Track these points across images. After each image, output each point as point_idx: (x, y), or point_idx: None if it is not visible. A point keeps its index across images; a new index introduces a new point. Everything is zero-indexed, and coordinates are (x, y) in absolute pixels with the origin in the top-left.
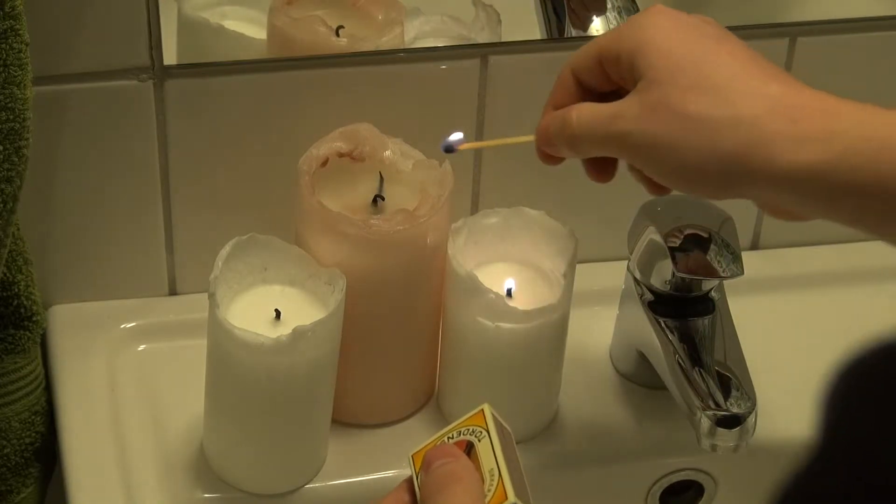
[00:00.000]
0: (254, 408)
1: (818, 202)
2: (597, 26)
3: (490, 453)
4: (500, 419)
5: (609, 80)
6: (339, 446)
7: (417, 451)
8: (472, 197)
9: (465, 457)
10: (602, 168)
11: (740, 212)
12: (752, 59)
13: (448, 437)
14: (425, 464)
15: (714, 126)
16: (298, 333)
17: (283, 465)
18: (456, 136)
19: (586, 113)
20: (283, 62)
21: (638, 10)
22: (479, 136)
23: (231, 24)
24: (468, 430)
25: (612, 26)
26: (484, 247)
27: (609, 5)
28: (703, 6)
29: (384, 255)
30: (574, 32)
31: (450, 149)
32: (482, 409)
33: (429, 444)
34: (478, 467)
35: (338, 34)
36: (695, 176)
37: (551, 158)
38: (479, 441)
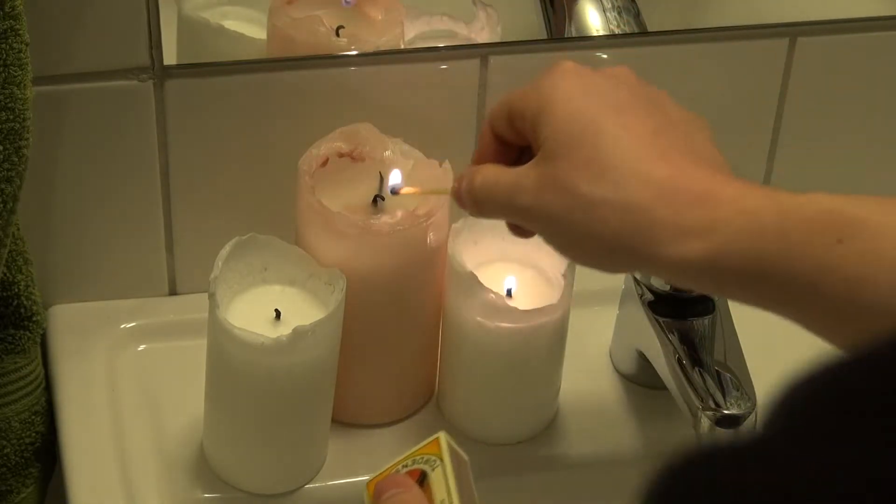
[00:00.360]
0: (254, 408)
1: (706, 288)
2: (596, 25)
3: (443, 483)
4: (456, 448)
5: (522, 135)
6: (339, 446)
7: (372, 480)
8: None
9: (416, 487)
10: (520, 228)
11: None
12: (649, 134)
13: (402, 466)
14: (377, 493)
15: (601, 210)
16: (298, 333)
17: (283, 465)
18: (395, 180)
19: (490, 178)
20: (283, 62)
21: (638, 11)
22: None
23: (231, 24)
24: (422, 458)
25: (611, 26)
26: (484, 247)
27: (609, 5)
28: (703, 6)
29: (384, 255)
30: (574, 32)
31: (394, 191)
32: (437, 438)
33: (384, 472)
34: (429, 497)
35: (338, 34)
36: (586, 256)
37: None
38: (433, 470)
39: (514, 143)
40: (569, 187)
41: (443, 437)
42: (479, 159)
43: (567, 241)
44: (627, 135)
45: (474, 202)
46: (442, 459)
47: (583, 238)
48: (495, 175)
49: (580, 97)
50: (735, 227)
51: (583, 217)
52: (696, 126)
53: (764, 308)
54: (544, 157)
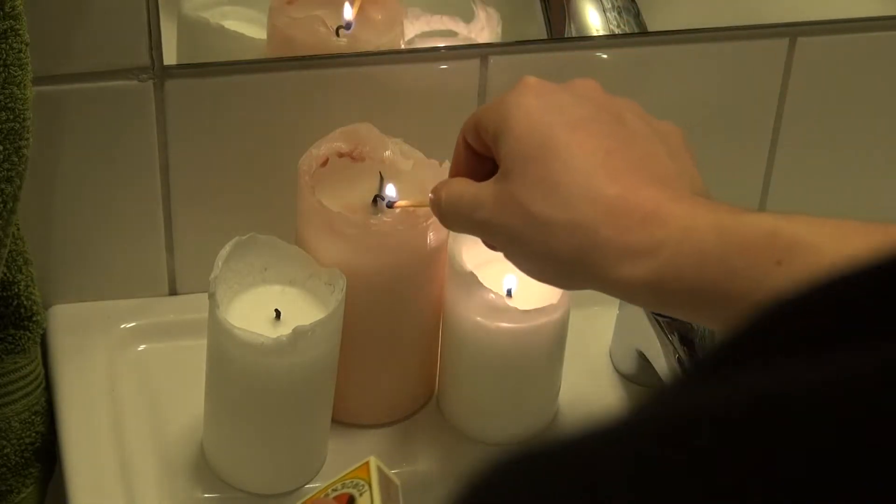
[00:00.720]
0: (253, 408)
1: (653, 307)
2: (596, 25)
3: None
4: (386, 472)
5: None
6: (339, 446)
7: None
8: None
9: None
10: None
11: None
12: (602, 152)
13: (332, 490)
14: None
15: (551, 229)
16: (298, 333)
17: (283, 465)
18: (390, 194)
19: (455, 192)
20: (283, 62)
21: (638, 11)
22: None
23: (231, 24)
24: (351, 482)
25: (611, 26)
26: (484, 247)
27: (609, 5)
28: (703, 5)
29: (384, 255)
30: (574, 32)
31: (390, 204)
32: (367, 462)
33: (313, 496)
34: None
35: (338, 34)
36: (541, 274)
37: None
38: (361, 495)
39: (486, 156)
40: (522, 205)
41: (373, 461)
42: (454, 171)
43: (522, 258)
44: (580, 153)
45: (440, 215)
46: (370, 484)
47: (536, 256)
48: (460, 189)
49: (538, 114)
50: (677, 250)
51: (535, 236)
52: (661, 139)
53: (709, 327)
54: (503, 174)
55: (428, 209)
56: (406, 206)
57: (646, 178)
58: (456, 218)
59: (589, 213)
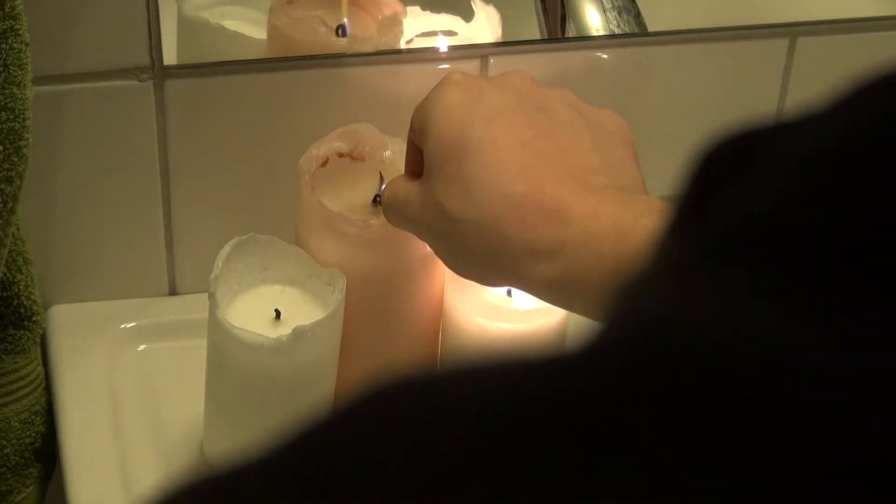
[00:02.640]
0: (253, 408)
1: (561, 306)
2: (596, 25)
3: None
4: None
5: None
6: None
7: None
8: None
9: None
10: None
11: None
12: (516, 145)
13: None
14: None
15: (466, 228)
16: (298, 333)
17: None
18: None
19: (394, 190)
20: (283, 62)
21: (638, 11)
22: None
23: (231, 24)
24: None
25: (611, 26)
26: None
27: (609, 5)
28: (703, 5)
29: (384, 255)
30: (574, 32)
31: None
32: None
33: None
34: None
35: (338, 34)
36: (462, 271)
37: None
38: None
39: None
40: (440, 204)
41: None
42: (406, 168)
43: (444, 254)
44: (492, 148)
45: (384, 213)
46: None
47: (455, 254)
48: (398, 187)
49: (457, 110)
50: (577, 253)
51: (452, 234)
52: (591, 129)
53: None
54: (426, 173)
55: None
56: None
57: (558, 172)
58: (391, 214)
59: (498, 211)
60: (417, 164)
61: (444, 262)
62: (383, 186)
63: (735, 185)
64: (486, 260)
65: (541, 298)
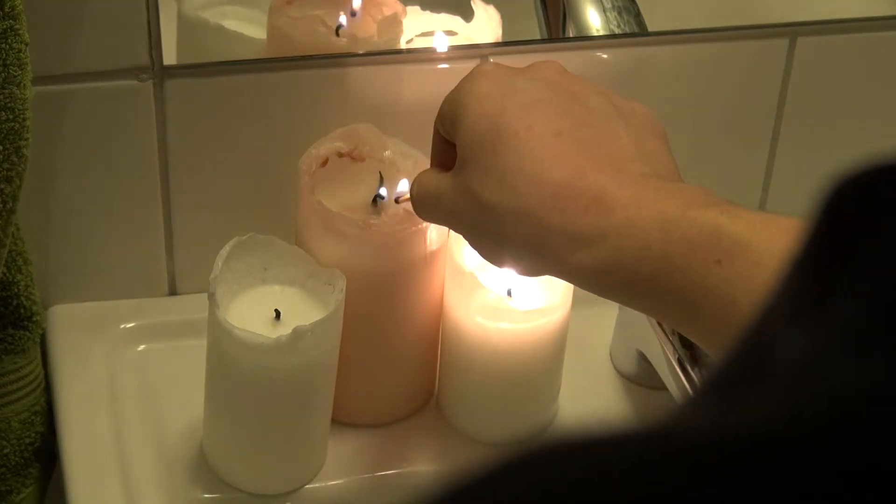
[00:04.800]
0: (254, 408)
1: (597, 293)
2: (596, 25)
3: None
4: None
5: None
6: (339, 446)
7: None
8: None
9: None
10: None
11: None
12: (551, 134)
13: None
14: None
15: (503, 217)
16: (298, 333)
17: (283, 465)
18: (403, 188)
19: (423, 184)
20: (283, 62)
21: (638, 11)
22: None
23: (231, 24)
24: None
25: (611, 26)
26: None
27: (609, 5)
28: (703, 5)
29: (384, 255)
30: (574, 32)
31: (397, 199)
32: None
33: None
34: None
35: (338, 34)
36: (502, 261)
37: None
38: None
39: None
40: (476, 194)
41: None
42: (433, 162)
43: (483, 246)
44: (528, 137)
45: (414, 207)
46: None
47: (493, 244)
48: (427, 181)
49: (490, 100)
50: (620, 241)
51: (488, 224)
52: (624, 119)
53: (652, 317)
54: (460, 163)
55: None
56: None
57: (596, 160)
58: (425, 209)
59: (536, 199)
60: (444, 156)
61: (480, 254)
62: (401, 186)
63: (875, 236)
64: (525, 248)
65: (582, 287)
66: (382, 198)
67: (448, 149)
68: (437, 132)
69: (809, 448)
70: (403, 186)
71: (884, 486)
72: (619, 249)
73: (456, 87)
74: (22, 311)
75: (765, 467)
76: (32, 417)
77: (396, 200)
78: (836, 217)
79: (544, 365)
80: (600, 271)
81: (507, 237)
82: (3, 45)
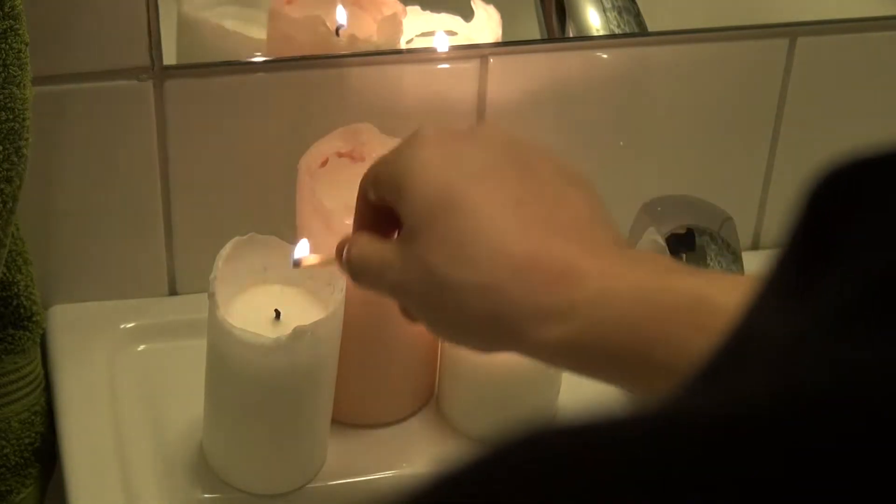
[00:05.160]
0: (254, 408)
1: (573, 370)
2: (596, 25)
3: None
4: None
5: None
6: (339, 446)
7: None
8: None
9: None
10: (407, 310)
11: (740, 212)
12: (511, 204)
13: None
14: None
15: (460, 292)
16: (298, 333)
17: (283, 465)
18: (300, 252)
19: (364, 253)
20: (283, 62)
21: (638, 11)
22: None
23: (231, 24)
24: None
25: (611, 26)
26: None
27: (609, 5)
28: (703, 5)
29: None
30: (574, 32)
31: (296, 263)
32: None
33: None
34: None
35: (338, 34)
36: (456, 338)
37: None
38: None
39: (387, 207)
40: (429, 268)
41: None
42: (357, 225)
43: (435, 322)
44: (487, 206)
45: (351, 276)
46: None
47: (449, 320)
48: (368, 249)
49: (438, 167)
50: (593, 314)
51: (446, 300)
52: (575, 185)
53: (630, 391)
54: (408, 234)
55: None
56: (313, 265)
57: (559, 230)
58: (366, 279)
59: (499, 273)
60: (373, 222)
61: (432, 331)
62: (298, 249)
63: (856, 227)
64: (485, 325)
65: (547, 363)
66: None
67: (377, 214)
68: (363, 196)
69: (785, 425)
70: (303, 249)
71: (847, 460)
72: (593, 323)
73: (395, 153)
74: (22, 311)
75: (742, 442)
76: (32, 417)
77: (296, 265)
78: (819, 210)
79: (544, 365)
80: (571, 345)
81: (467, 314)
82: (3, 45)
